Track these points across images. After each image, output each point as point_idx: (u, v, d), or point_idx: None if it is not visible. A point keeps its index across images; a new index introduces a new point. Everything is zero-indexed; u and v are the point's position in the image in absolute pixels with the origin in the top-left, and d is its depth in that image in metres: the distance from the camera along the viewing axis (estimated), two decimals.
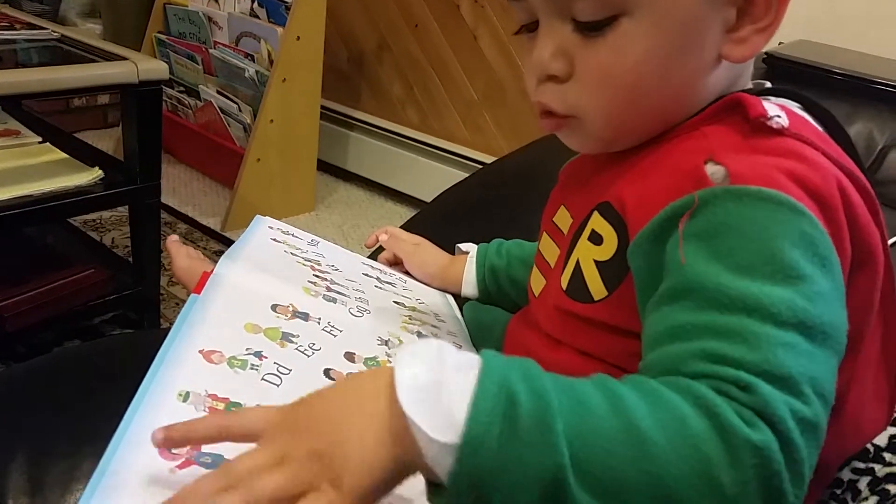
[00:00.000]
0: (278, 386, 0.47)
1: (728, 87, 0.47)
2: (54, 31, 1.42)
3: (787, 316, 0.34)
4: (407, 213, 2.18)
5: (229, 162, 2.01)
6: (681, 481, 0.31)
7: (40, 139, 1.39)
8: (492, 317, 0.71)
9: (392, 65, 2.28)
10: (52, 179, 1.22)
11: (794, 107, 0.47)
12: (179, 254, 0.73)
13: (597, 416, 0.32)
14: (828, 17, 1.33)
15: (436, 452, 0.31)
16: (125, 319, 1.50)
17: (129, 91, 1.23)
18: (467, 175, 1.23)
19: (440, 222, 1.02)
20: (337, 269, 0.70)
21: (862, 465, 0.47)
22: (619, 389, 0.34)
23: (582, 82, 0.46)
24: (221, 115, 2.09)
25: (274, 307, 0.55)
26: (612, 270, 0.46)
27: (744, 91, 0.47)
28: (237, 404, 0.44)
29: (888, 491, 0.45)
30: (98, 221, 1.89)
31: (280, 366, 0.49)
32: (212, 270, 0.57)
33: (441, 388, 0.32)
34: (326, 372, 0.51)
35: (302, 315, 0.56)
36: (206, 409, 0.43)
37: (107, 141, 2.30)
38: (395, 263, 0.80)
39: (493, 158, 1.69)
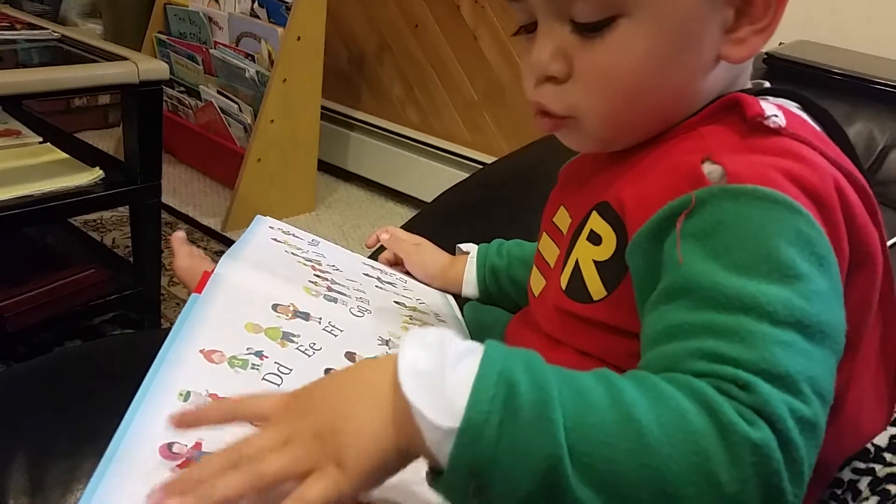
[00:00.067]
0: (279, 386, 0.47)
1: (727, 88, 0.47)
2: (55, 32, 1.42)
3: (784, 315, 0.35)
4: (407, 214, 2.18)
5: (230, 162, 2.01)
6: (679, 476, 0.31)
7: (41, 139, 1.39)
8: (492, 317, 0.71)
9: (392, 65, 2.28)
10: (52, 179, 1.22)
11: (793, 106, 0.47)
12: (181, 253, 0.73)
13: (596, 408, 0.32)
14: (828, 17, 1.33)
15: (436, 438, 0.32)
16: (126, 319, 1.50)
17: (130, 91, 1.23)
18: (467, 175, 1.23)
19: (440, 222, 1.02)
20: (337, 269, 0.70)
21: (862, 466, 0.47)
22: (620, 383, 0.34)
23: (580, 83, 0.46)
24: (222, 115, 2.10)
25: (275, 307, 0.55)
26: (611, 270, 0.46)
27: (742, 91, 0.47)
28: None
29: (888, 491, 0.45)
30: (98, 221, 1.89)
31: (281, 365, 0.49)
32: (212, 270, 0.57)
33: (443, 374, 0.33)
34: (327, 372, 0.51)
35: (303, 315, 0.56)
36: None
37: (107, 141, 2.30)
38: (396, 264, 0.81)
39: (494, 158, 1.69)
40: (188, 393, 0.43)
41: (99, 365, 0.69)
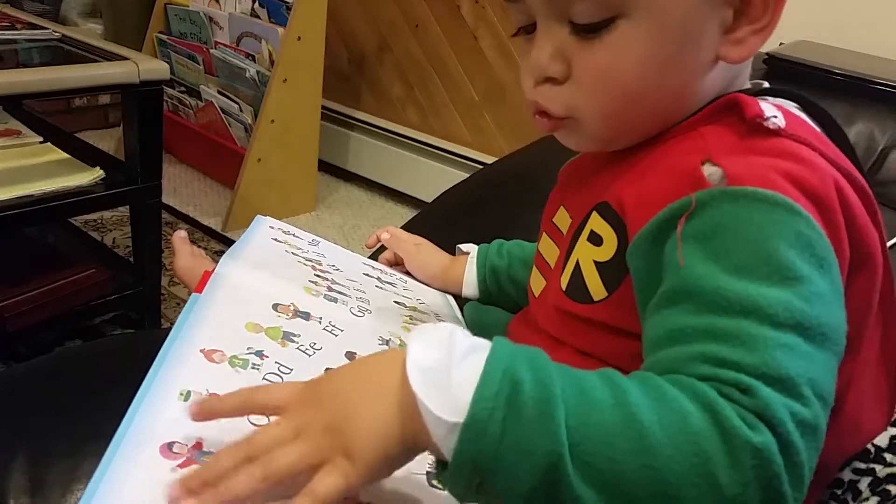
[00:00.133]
0: None
1: (726, 88, 0.47)
2: (55, 31, 1.42)
3: (785, 317, 0.35)
4: (407, 214, 2.18)
5: (230, 162, 2.02)
6: (681, 477, 0.31)
7: (41, 139, 1.39)
8: (493, 317, 0.71)
9: (393, 65, 2.29)
10: (53, 179, 1.22)
11: (792, 107, 0.47)
12: (182, 252, 0.74)
13: (599, 408, 0.33)
14: (828, 17, 1.33)
15: (442, 432, 0.32)
16: (126, 319, 1.50)
17: (130, 91, 1.23)
18: (468, 175, 1.23)
19: (441, 223, 1.02)
20: (338, 269, 0.70)
21: (863, 466, 0.47)
22: (624, 383, 0.34)
23: (580, 84, 0.46)
24: (222, 115, 2.10)
25: (275, 306, 0.55)
26: (611, 271, 0.46)
27: (741, 91, 0.47)
28: None
29: (889, 492, 0.45)
30: (99, 221, 1.89)
31: (281, 365, 0.49)
32: (213, 270, 0.57)
33: (450, 370, 0.33)
34: (327, 371, 0.51)
35: (303, 314, 0.56)
36: None
37: (108, 141, 2.30)
38: (396, 264, 0.81)
39: (494, 159, 1.69)
40: (188, 392, 0.43)
41: (99, 365, 0.69)
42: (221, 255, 0.59)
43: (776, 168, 0.39)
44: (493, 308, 0.74)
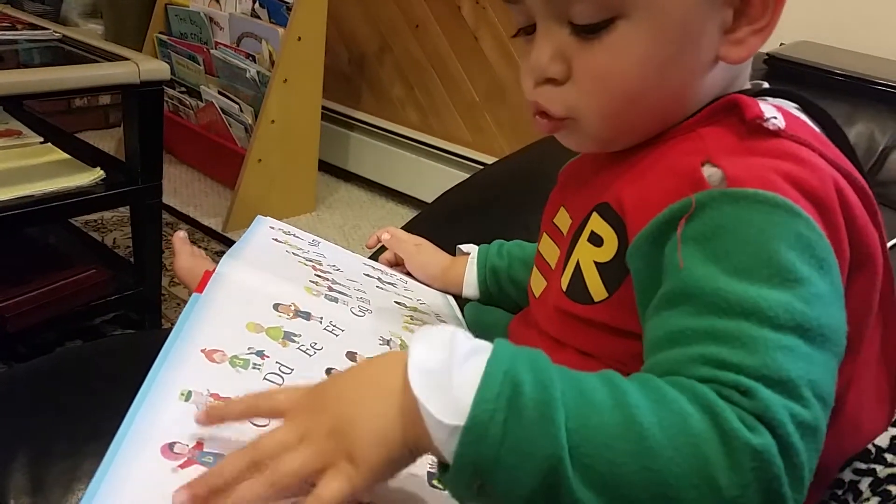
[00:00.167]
0: (280, 385, 0.47)
1: (726, 88, 0.47)
2: (56, 32, 1.42)
3: (785, 319, 0.35)
4: (408, 214, 2.18)
5: (230, 162, 2.02)
6: (681, 479, 0.31)
7: (42, 139, 1.39)
8: (493, 318, 0.71)
9: (393, 65, 2.29)
10: (53, 180, 1.22)
11: (792, 107, 0.47)
12: (182, 252, 0.74)
13: (599, 410, 0.33)
14: (828, 18, 1.33)
15: (443, 435, 0.33)
16: (126, 320, 1.50)
17: (131, 91, 1.23)
18: (468, 176, 1.23)
19: (441, 223, 1.02)
20: (338, 270, 0.70)
21: (863, 466, 0.47)
22: (624, 385, 0.34)
23: (580, 85, 0.46)
24: (223, 115, 2.10)
25: (276, 306, 0.55)
26: (612, 272, 0.46)
27: (741, 92, 0.47)
28: None
29: (890, 492, 0.45)
30: (99, 222, 1.89)
31: (282, 365, 0.49)
32: (214, 270, 0.57)
33: (451, 372, 0.33)
34: (328, 371, 0.51)
35: (304, 314, 0.56)
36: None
37: (108, 141, 2.30)
38: (397, 264, 0.81)
39: (494, 159, 1.69)
40: (189, 393, 0.43)
41: (100, 365, 0.69)
42: (222, 256, 0.59)
43: (776, 169, 0.39)
44: (494, 308, 0.74)
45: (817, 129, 0.46)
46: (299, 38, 1.90)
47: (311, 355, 0.51)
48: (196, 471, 0.38)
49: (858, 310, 0.42)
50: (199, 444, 0.40)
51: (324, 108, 2.13)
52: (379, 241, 0.80)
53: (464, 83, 2.13)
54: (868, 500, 0.46)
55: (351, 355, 0.54)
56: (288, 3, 1.92)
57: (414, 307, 0.69)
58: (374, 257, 0.82)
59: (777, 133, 0.41)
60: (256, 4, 2.00)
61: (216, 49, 2.08)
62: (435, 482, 0.43)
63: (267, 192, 2.01)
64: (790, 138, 0.41)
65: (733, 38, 0.44)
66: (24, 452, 0.56)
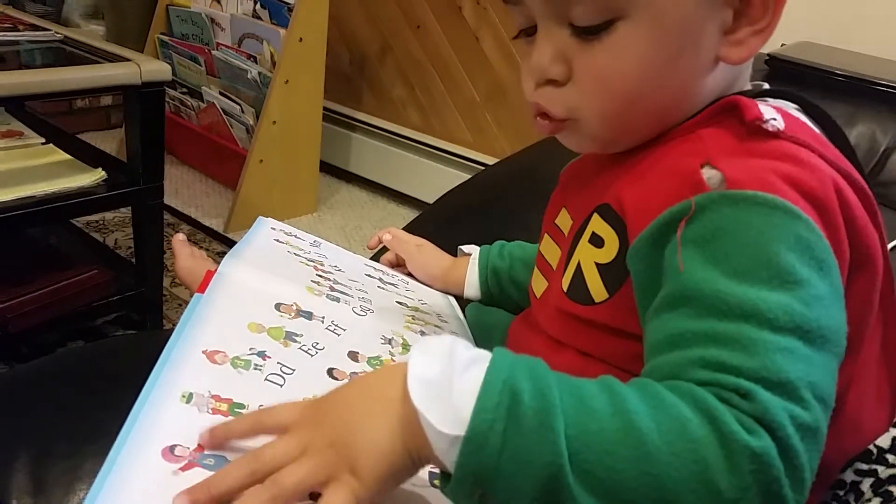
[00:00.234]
0: (282, 386, 0.47)
1: (726, 89, 0.47)
2: (57, 33, 1.42)
3: (785, 321, 0.35)
4: (409, 215, 2.18)
5: (232, 163, 2.02)
6: (680, 484, 0.31)
7: (43, 140, 1.39)
8: (494, 318, 0.71)
9: (394, 66, 2.29)
10: (55, 180, 1.22)
11: (792, 108, 0.47)
12: (183, 254, 0.74)
13: (598, 417, 0.33)
14: (829, 18, 1.33)
15: (444, 445, 0.33)
16: (128, 320, 1.51)
17: (132, 92, 1.23)
18: (469, 176, 1.23)
19: (442, 224, 1.02)
20: (340, 270, 0.70)
21: (865, 467, 0.47)
22: (623, 391, 0.34)
23: (580, 86, 0.46)
24: (224, 116, 2.10)
25: (277, 306, 0.55)
26: (612, 273, 0.46)
27: (742, 92, 0.47)
28: (240, 405, 0.44)
29: (891, 493, 0.45)
30: (101, 222, 1.89)
31: (284, 365, 0.49)
32: (215, 270, 0.57)
33: (451, 382, 0.33)
34: (330, 371, 0.51)
35: (305, 314, 0.56)
36: (210, 410, 0.43)
37: (110, 142, 2.30)
38: (398, 265, 0.81)
39: (495, 160, 1.69)
40: (190, 395, 0.43)
41: (101, 366, 0.69)
42: (223, 257, 0.59)
43: (775, 171, 0.39)
44: (495, 309, 0.74)
45: (817, 130, 0.46)
46: (301, 39, 1.91)
47: (312, 355, 0.51)
48: (197, 473, 0.38)
49: (858, 310, 0.42)
50: (200, 447, 0.40)
51: (325, 108, 2.13)
52: (380, 242, 0.80)
53: (465, 84, 2.13)
54: (870, 500, 0.46)
55: (353, 355, 0.54)
56: (289, 3, 1.92)
57: (415, 307, 0.69)
58: (376, 258, 0.82)
59: (776, 134, 0.41)
60: (258, 5, 2.00)
61: (217, 50, 2.08)
62: (436, 482, 0.43)
63: (268, 192, 2.01)
64: (789, 139, 0.41)
65: (733, 38, 0.44)
66: (25, 452, 0.57)
